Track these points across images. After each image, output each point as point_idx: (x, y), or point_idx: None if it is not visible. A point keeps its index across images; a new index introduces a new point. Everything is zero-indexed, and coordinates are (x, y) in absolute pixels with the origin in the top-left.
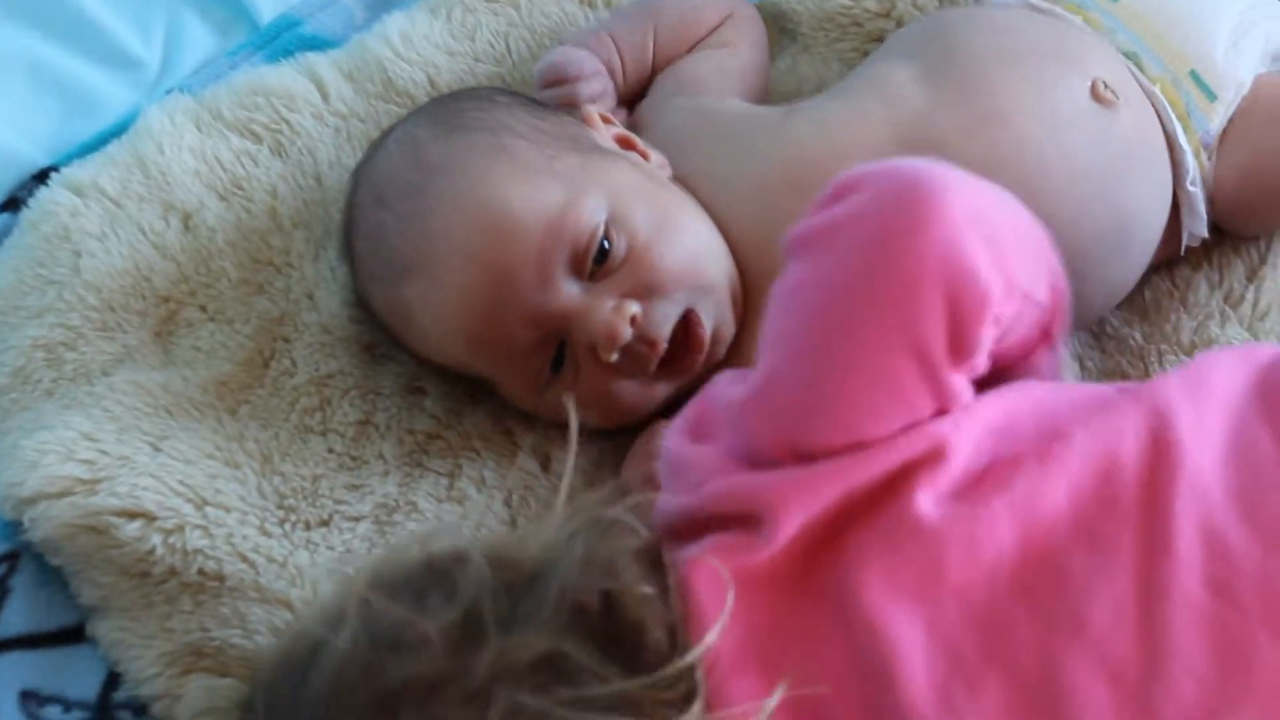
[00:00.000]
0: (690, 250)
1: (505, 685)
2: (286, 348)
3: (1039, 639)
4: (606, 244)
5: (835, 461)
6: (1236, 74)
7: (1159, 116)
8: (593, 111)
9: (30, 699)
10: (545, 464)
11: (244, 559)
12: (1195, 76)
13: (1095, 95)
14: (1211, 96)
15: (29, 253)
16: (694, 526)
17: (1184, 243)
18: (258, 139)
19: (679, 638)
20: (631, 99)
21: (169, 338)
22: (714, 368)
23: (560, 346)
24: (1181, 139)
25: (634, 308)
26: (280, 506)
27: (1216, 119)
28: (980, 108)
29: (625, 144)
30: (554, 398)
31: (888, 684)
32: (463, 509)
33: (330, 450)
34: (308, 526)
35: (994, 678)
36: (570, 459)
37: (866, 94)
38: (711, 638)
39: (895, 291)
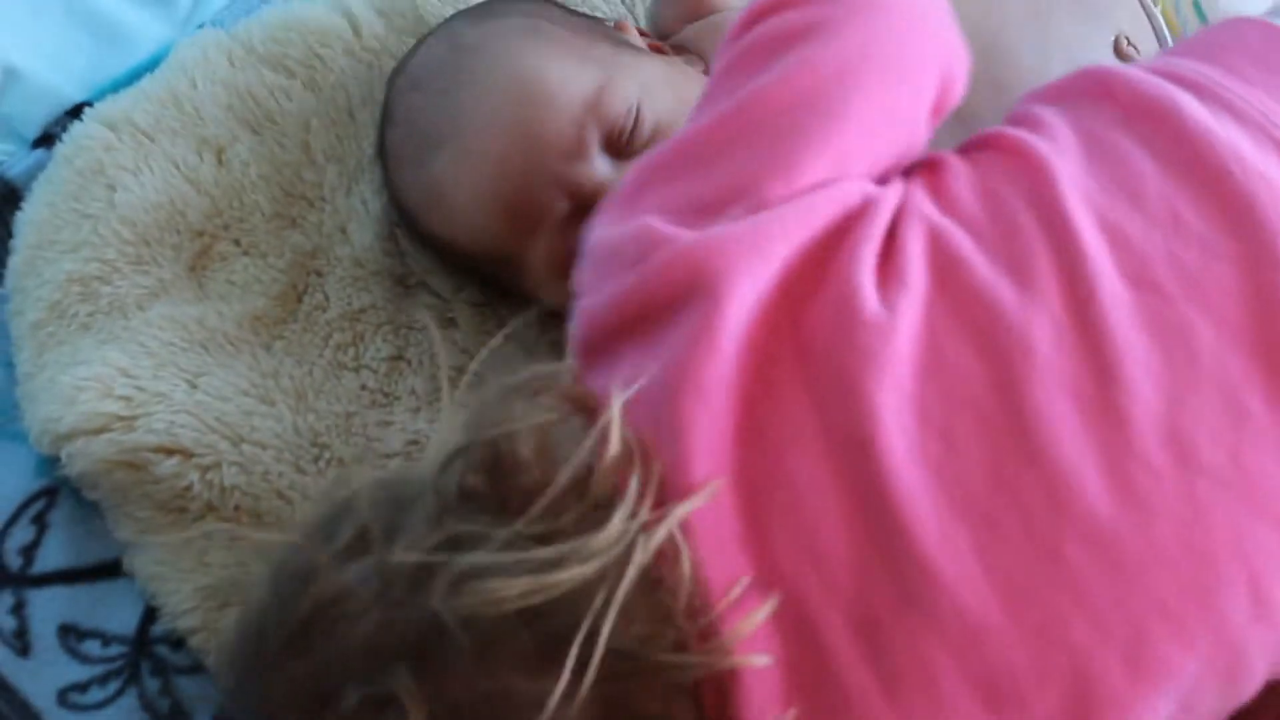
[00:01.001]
0: None
1: (395, 586)
2: (319, 282)
3: (994, 375)
4: (638, 125)
5: (780, 211)
6: (1241, 7)
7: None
8: (627, 23)
9: (70, 633)
10: None
11: (280, 495)
12: (1196, 4)
13: (1118, 52)
14: (1203, 19)
15: (63, 187)
16: (626, 324)
17: None
18: (290, 74)
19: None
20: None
21: (203, 271)
22: None
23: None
24: None
25: None
26: (314, 444)
27: None
28: (1003, 72)
29: (655, 50)
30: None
31: (868, 459)
32: None
33: (363, 387)
34: (342, 463)
35: (963, 425)
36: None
37: None
38: (584, 453)
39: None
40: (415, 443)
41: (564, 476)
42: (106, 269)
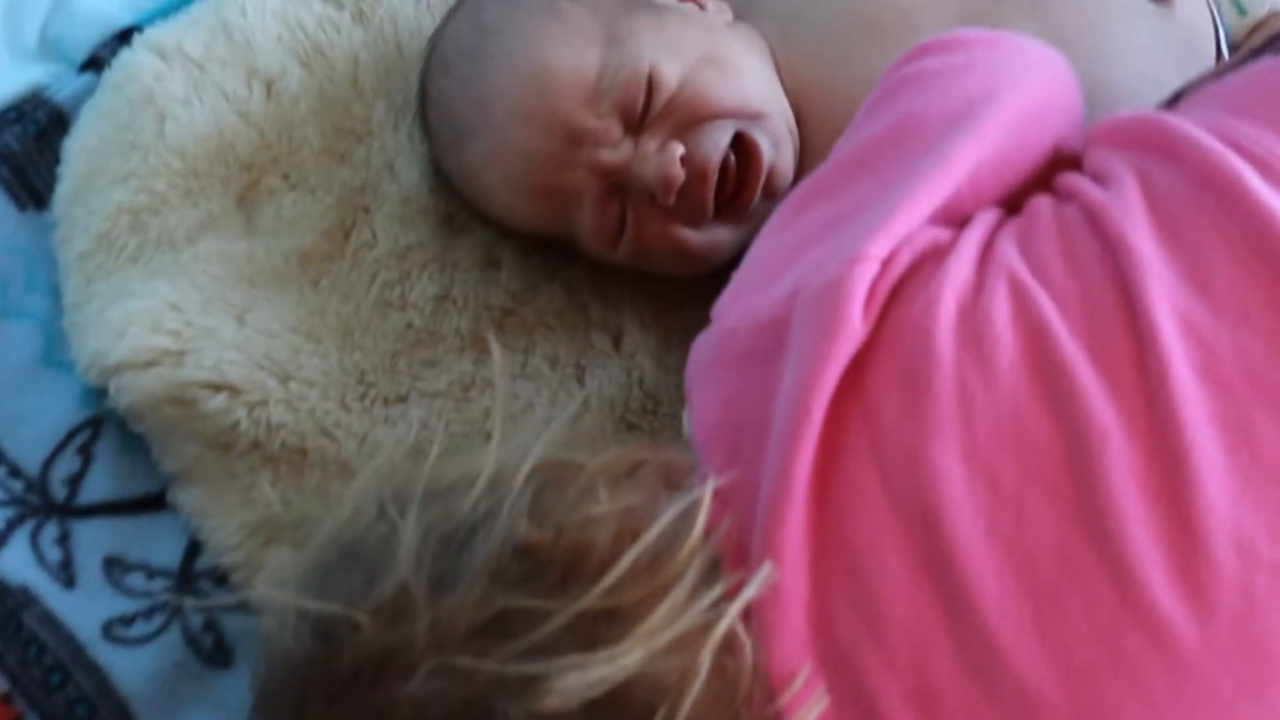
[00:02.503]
0: (736, 83)
1: (445, 653)
2: (367, 218)
3: (1070, 454)
4: (652, 93)
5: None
6: None
7: (1211, 14)
8: None
9: (114, 565)
10: (618, 341)
11: (326, 433)
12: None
13: None
14: (1242, 12)
15: (113, 115)
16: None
17: None
18: (340, 5)
19: (624, 541)
20: None
21: (251, 205)
22: None
23: (624, 204)
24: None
25: (679, 148)
26: (360, 382)
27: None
28: None
29: None
30: (629, 250)
31: (932, 525)
32: (535, 386)
33: (409, 325)
34: (386, 402)
35: (1034, 497)
36: (501, 394)
37: None
38: (657, 532)
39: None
40: (460, 383)
41: (635, 555)
42: (156, 200)
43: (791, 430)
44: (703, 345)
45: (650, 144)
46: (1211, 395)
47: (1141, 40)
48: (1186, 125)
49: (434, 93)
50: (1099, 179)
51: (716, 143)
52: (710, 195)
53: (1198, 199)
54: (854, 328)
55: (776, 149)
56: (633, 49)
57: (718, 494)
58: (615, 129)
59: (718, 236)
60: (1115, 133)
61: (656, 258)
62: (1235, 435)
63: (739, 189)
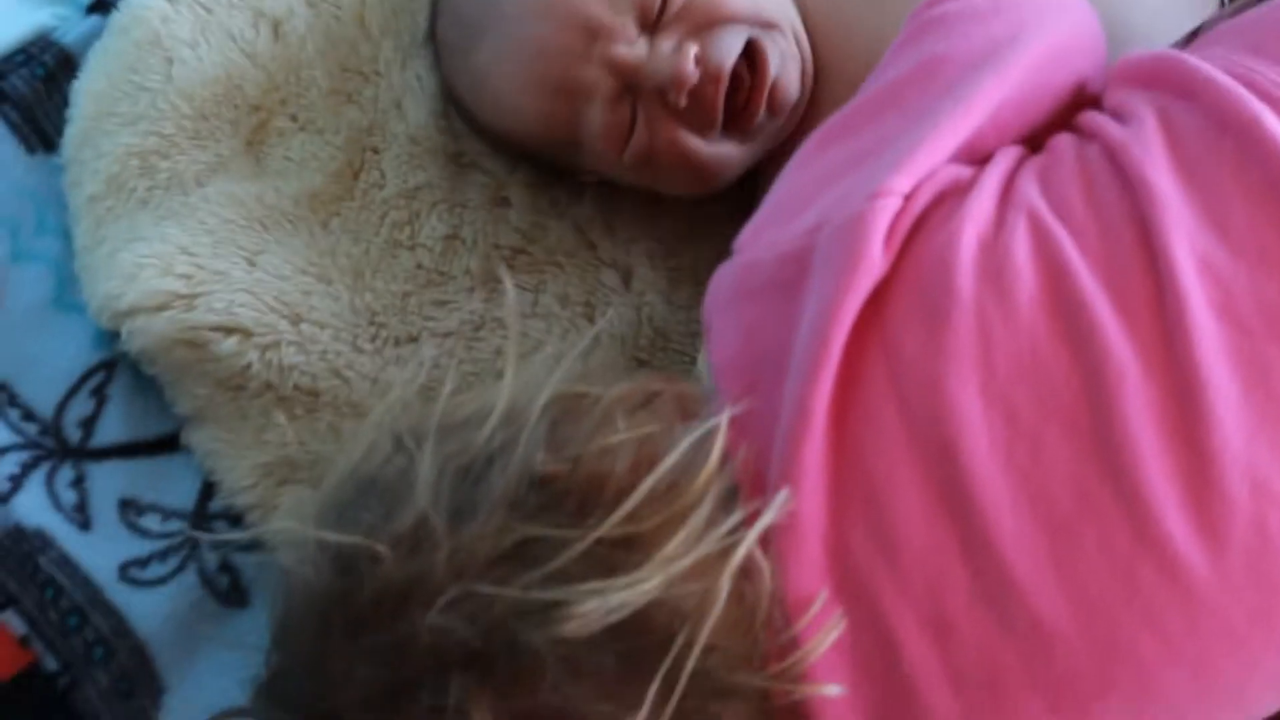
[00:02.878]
0: None
1: (465, 581)
2: (375, 159)
3: (1088, 390)
4: None
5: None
6: None
7: None
8: None
9: (129, 507)
10: (627, 279)
11: (338, 375)
12: None
13: None
14: None
15: (120, 58)
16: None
17: None
18: None
19: (641, 469)
20: None
21: (260, 147)
22: (785, 140)
23: (634, 106)
24: None
25: (693, 47)
26: (371, 323)
27: None
28: None
29: None
30: (636, 157)
31: (950, 457)
32: (546, 324)
33: (419, 265)
34: (397, 343)
35: (1051, 431)
36: (513, 330)
37: None
38: (674, 459)
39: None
40: (470, 322)
41: (653, 482)
42: (165, 143)
43: (811, 361)
44: (723, 277)
45: (666, 43)
46: (1228, 334)
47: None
48: (1205, 65)
49: (445, 5)
50: (1119, 117)
51: (730, 46)
52: (720, 99)
53: (1216, 140)
54: (875, 261)
55: (783, 62)
56: None
57: (735, 423)
58: (631, 27)
59: (724, 150)
60: (1135, 71)
61: (663, 168)
62: (1251, 374)
63: (747, 96)
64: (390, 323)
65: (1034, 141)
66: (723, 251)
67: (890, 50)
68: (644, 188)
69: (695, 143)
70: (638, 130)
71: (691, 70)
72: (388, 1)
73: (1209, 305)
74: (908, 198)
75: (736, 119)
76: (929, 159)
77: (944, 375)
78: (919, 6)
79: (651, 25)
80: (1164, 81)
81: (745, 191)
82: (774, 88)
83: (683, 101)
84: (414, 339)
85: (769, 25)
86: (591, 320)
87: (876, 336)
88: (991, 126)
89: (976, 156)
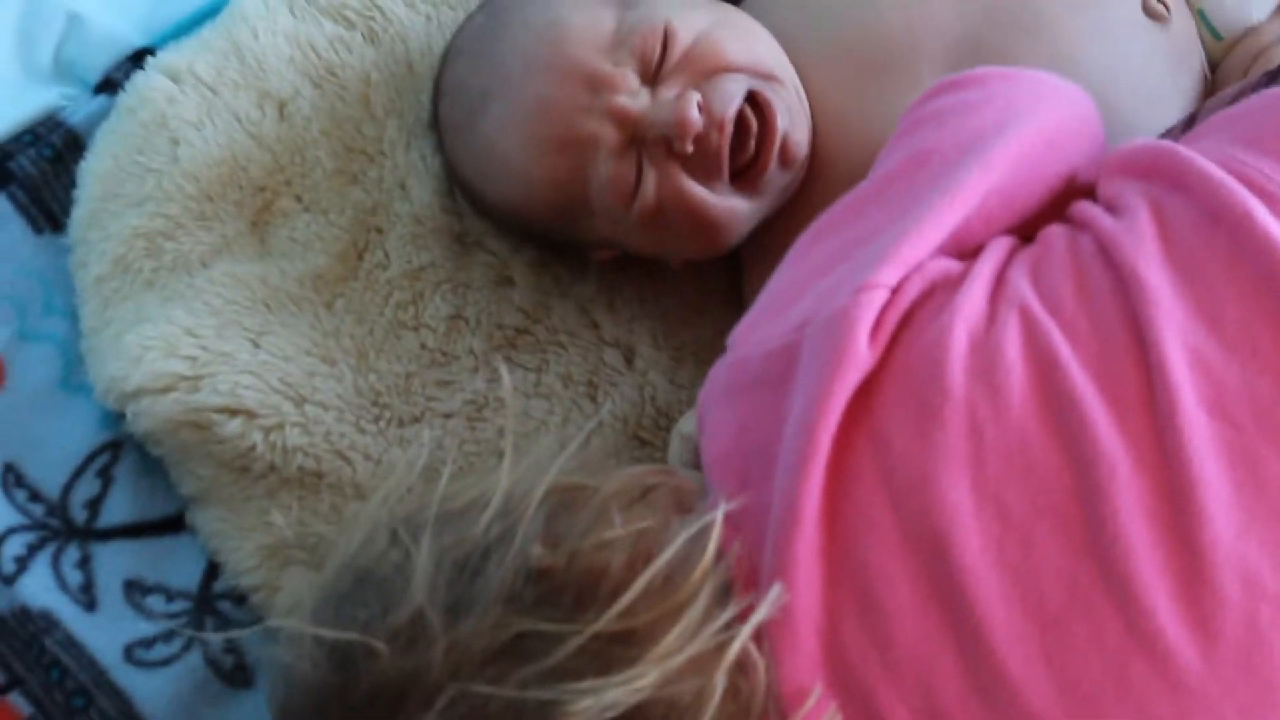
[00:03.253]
0: (749, 42)
1: (461, 680)
2: (380, 239)
3: (1079, 486)
4: (669, 44)
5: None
6: (1247, 17)
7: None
8: None
9: (134, 588)
10: (630, 358)
11: (341, 456)
12: (1203, 15)
13: (1148, 10)
14: (1217, 36)
15: (127, 139)
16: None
17: None
18: (350, 25)
19: (637, 564)
20: None
21: (265, 228)
22: (793, 195)
23: (640, 158)
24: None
25: (696, 95)
26: (375, 404)
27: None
28: (1033, 15)
29: None
30: (644, 210)
31: (941, 552)
32: (549, 404)
33: (423, 346)
34: (401, 424)
35: (1042, 527)
36: (511, 415)
37: None
38: (670, 555)
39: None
40: (474, 402)
41: (649, 577)
42: (170, 225)
43: (800, 456)
44: (717, 373)
45: (668, 93)
46: (1219, 430)
47: (1141, 56)
48: (1198, 157)
49: (447, 82)
50: (1112, 209)
51: (733, 93)
52: (726, 144)
53: (1209, 233)
54: (861, 355)
55: (790, 116)
56: (648, 8)
57: (729, 518)
58: (632, 78)
59: (733, 204)
60: (1128, 162)
61: (671, 223)
62: (1242, 470)
63: (756, 153)
64: (394, 403)
65: (1025, 231)
66: (724, 331)
67: (885, 147)
68: (652, 255)
69: (703, 193)
70: (645, 182)
71: (696, 116)
72: (392, 82)
73: (1200, 400)
74: (895, 290)
75: (747, 172)
76: (915, 251)
77: (935, 472)
78: (913, 103)
79: (652, 77)
80: (1157, 173)
81: (751, 237)
82: (784, 142)
83: (688, 148)
84: (417, 419)
85: (769, 77)
86: (594, 399)
87: (865, 430)
88: (979, 217)
89: (966, 248)
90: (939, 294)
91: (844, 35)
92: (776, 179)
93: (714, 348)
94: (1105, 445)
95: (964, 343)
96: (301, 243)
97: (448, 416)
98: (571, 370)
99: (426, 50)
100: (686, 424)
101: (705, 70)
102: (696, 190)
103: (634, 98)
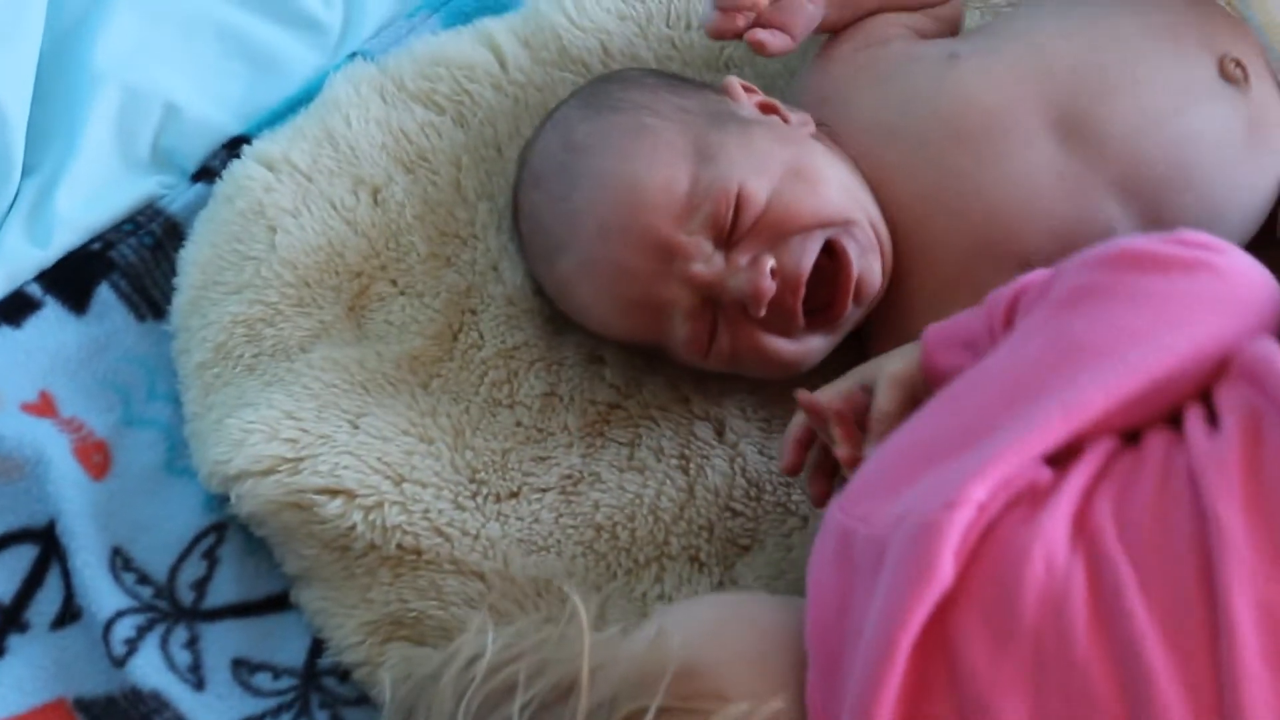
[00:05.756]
0: (823, 194)
1: None
2: (474, 320)
3: None
4: (741, 210)
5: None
6: None
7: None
8: (734, 82)
9: (242, 666)
10: (720, 431)
11: (439, 533)
12: None
13: (1224, 73)
14: None
15: (225, 228)
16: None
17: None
18: (440, 110)
19: None
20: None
21: (362, 312)
22: (866, 326)
23: (715, 315)
24: None
25: (769, 260)
26: (472, 480)
27: None
28: (1115, 78)
29: (767, 109)
30: (721, 359)
31: None
32: (643, 478)
33: (518, 423)
34: (498, 499)
35: None
36: (586, 629)
37: (1021, 50)
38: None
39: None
40: (569, 477)
41: None
42: (269, 311)
43: (875, 670)
44: (828, 529)
45: (741, 258)
46: (1276, 684)
47: (1220, 122)
48: (1273, 356)
49: (526, 206)
50: (1214, 416)
51: (806, 254)
52: (799, 305)
53: None
54: (944, 575)
55: (863, 255)
56: (722, 167)
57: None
58: (706, 245)
59: (810, 345)
60: (1247, 368)
61: (748, 365)
62: None
63: (831, 299)
64: (491, 479)
65: (1135, 427)
66: None
67: (1046, 307)
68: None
69: (780, 343)
70: (720, 336)
71: (769, 285)
72: (482, 165)
73: (1263, 655)
74: (983, 505)
75: (821, 316)
76: (1012, 463)
77: (998, 702)
78: (1090, 260)
79: (725, 241)
80: (1264, 384)
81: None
82: (858, 282)
83: (762, 313)
84: (514, 495)
85: (843, 224)
86: (687, 472)
87: (940, 644)
88: (1094, 427)
89: (1067, 450)
90: (1024, 506)
91: (932, 126)
92: (853, 316)
93: None
94: (1164, 698)
95: (1041, 571)
96: (398, 326)
97: (543, 491)
98: (663, 444)
99: (514, 133)
100: (892, 363)
101: (779, 233)
102: (774, 342)
103: (708, 263)
